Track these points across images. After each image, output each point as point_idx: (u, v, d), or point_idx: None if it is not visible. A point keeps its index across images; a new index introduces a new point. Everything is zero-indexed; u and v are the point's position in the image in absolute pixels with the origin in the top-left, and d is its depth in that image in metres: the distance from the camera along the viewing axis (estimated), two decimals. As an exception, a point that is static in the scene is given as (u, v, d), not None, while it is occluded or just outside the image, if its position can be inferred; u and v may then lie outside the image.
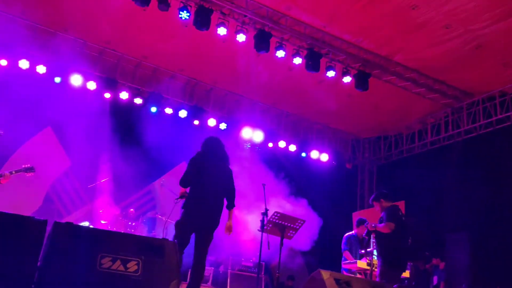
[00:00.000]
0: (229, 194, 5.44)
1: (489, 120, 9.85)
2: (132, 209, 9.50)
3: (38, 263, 3.20)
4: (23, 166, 5.83)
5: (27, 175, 5.86)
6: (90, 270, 3.25)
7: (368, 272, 7.46)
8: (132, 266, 3.40)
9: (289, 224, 6.40)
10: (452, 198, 9.68)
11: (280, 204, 7.94)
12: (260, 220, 6.32)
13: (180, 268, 3.72)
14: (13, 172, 5.70)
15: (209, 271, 8.91)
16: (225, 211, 5.41)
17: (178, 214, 5.23)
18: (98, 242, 3.39)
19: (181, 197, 5.25)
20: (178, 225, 5.14)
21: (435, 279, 9.80)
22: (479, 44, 8.17)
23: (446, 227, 9.43)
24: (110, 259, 3.32)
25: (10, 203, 8.29)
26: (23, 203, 8.90)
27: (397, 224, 6.37)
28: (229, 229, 5.47)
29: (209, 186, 5.21)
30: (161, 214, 9.61)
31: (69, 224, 3.34)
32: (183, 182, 5.28)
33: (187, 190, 5.27)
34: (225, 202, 5.42)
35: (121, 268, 3.35)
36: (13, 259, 3.04)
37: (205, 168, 5.27)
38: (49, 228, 3.44)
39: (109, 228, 8.77)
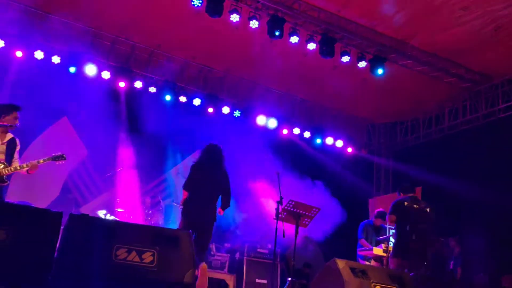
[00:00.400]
0: (224, 196, 6.09)
1: (509, 103, 9.63)
2: (148, 198, 9.57)
3: (55, 255, 3.24)
4: (53, 154, 5.53)
5: (57, 163, 5.56)
6: (105, 261, 3.28)
7: (384, 258, 7.45)
8: (148, 257, 3.42)
9: (304, 212, 6.37)
10: (470, 184, 9.52)
11: (295, 192, 7.90)
12: (275, 209, 6.32)
13: (194, 258, 3.73)
14: (41, 161, 5.41)
15: (225, 258, 8.97)
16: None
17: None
18: (113, 234, 3.41)
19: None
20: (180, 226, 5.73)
21: (451, 264, 9.70)
22: (498, 26, 7.96)
23: (464, 214, 9.30)
24: (125, 250, 3.35)
25: (28, 193, 8.44)
26: (41, 193, 9.04)
27: (399, 216, 6.35)
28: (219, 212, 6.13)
29: (205, 191, 5.88)
30: (177, 202, 9.66)
31: (84, 216, 3.37)
32: (186, 186, 6.00)
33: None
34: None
35: (137, 259, 3.38)
36: (30, 251, 3.07)
37: (202, 174, 5.94)
38: (65, 219, 3.47)
39: (126, 216, 8.87)
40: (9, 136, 5.39)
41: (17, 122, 5.35)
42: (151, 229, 3.89)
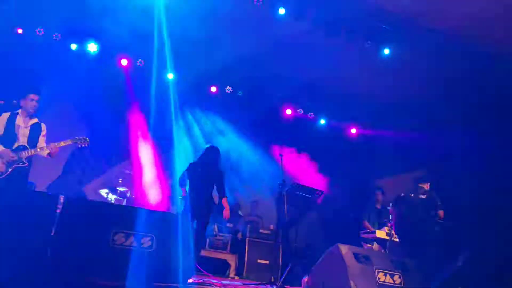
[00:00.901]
0: (218, 189, 6.76)
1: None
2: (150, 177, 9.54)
3: (51, 239, 3.20)
4: (76, 137, 5.41)
5: (79, 145, 5.46)
6: (102, 246, 3.24)
7: (388, 241, 7.42)
8: (146, 241, 3.39)
9: (307, 195, 6.34)
10: (474, 168, 9.42)
11: (298, 173, 7.87)
12: (278, 191, 6.29)
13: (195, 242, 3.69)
14: (62, 143, 5.31)
15: (227, 238, 8.99)
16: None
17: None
18: (111, 218, 3.36)
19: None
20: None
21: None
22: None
23: (470, 199, 9.22)
24: (123, 235, 3.31)
25: (31, 173, 8.41)
26: (43, 172, 9.00)
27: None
28: (226, 216, 6.92)
29: (201, 186, 6.52)
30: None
31: (81, 199, 3.33)
32: (179, 183, 6.81)
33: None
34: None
35: (135, 244, 3.34)
36: (26, 234, 3.03)
37: (197, 172, 6.62)
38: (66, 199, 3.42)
39: (128, 195, 8.86)
40: (34, 120, 5.34)
41: (34, 104, 5.27)
42: (150, 213, 3.84)
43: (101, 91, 9.25)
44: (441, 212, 6.55)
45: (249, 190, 8.57)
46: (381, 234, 7.44)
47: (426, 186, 6.83)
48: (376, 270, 4.62)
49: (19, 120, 5.19)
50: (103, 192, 8.89)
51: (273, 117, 10.85)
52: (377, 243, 7.81)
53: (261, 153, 8.80)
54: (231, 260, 8.68)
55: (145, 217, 3.56)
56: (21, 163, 5.06)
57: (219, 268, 8.68)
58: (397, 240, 7.37)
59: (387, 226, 7.47)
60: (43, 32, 8.92)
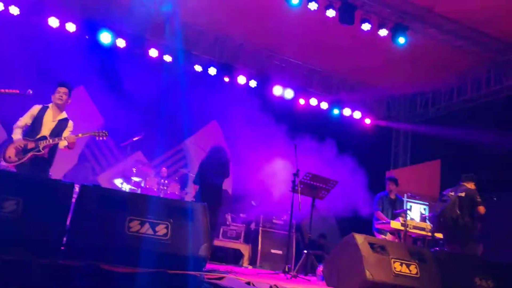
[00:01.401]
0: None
1: (536, 75, 9.28)
2: (164, 168, 9.57)
3: (67, 226, 3.21)
4: (96, 130, 5.49)
5: (97, 138, 5.51)
6: (118, 233, 3.24)
7: (402, 232, 7.36)
8: (161, 229, 3.38)
9: (321, 185, 6.30)
10: (492, 158, 9.30)
11: (312, 164, 7.80)
12: (292, 181, 6.25)
13: (209, 231, 3.68)
14: (80, 135, 5.37)
15: (240, 228, 9.02)
16: None
17: None
18: (126, 205, 3.36)
19: None
20: None
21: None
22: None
23: (485, 188, 9.10)
24: (138, 222, 3.30)
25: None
26: (59, 161, 9.05)
27: None
28: None
29: (211, 182, 7.31)
30: (193, 172, 9.67)
31: (96, 187, 3.32)
32: (194, 181, 7.72)
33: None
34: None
35: (150, 231, 3.34)
36: (42, 222, 3.05)
37: (208, 171, 7.42)
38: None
39: (142, 185, 8.91)
40: (63, 115, 5.46)
41: (58, 96, 5.42)
42: (165, 201, 3.83)
43: (115, 81, 9.28)
44: (481, 208, 6.51)
45: (263, 180, 8.53)
46: (395, 224, 7.38)
47: (470, 185, 6.79)
48: (392, 259, 4.57)
49: (48, 114, 5.33)
50: (118, 182, 8.94)
51: (289, 107, 10.81)
52: (391, 234, 7.76)
53: (275, 142, 8.76)
54: (245, 249, 8.71)
55: (160, 205, 3.56)
56: (37, 152, 5.12)
57: (233, 258, 8.72)
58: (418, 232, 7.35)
59: (401, 216, 7.41)
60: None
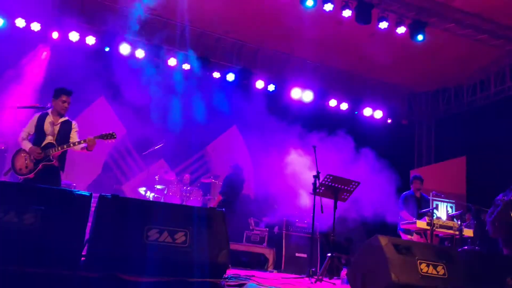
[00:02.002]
0: None
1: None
2: (187, 175, 9.62)
3: (87, 236, 3.23)
4: (103, 133, 5.37)
5: (106, 141, 5.44)
6: (137, 242, 3.24)
7: (428, 232, 7.20)
8: (180, 237, 3.37)
9: (342, 187, 6.21)
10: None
11: (333, 166, 7.72)
12: (312, 183, 6.19)
13: (228, 238, 3.65)
14: (89, 138, 5.27)
15: (264, 232, 8.96)
16: None
17: None
18: (144, 214, 3.36)
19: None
20: None
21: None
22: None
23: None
24: (157, 231, 3.30)
25: (70, 171, 8.65)
26: (83, 172, 9.24)
27: None
28: None
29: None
30: (215, 178, 9.71)
31: (114, 196, 3.34)
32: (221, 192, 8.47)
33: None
34: None
35: (169, 239, 3.33)
36: (61, 234, 3.07)
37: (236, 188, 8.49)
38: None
39: (165, 192, 8.97)
40: (63, 118, 5.41)
41: (65, 105, 5.37)
42: (183, 209, 3.82)
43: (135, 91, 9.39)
44: None
45: (284, 183, 8.49)
46: (421, 224, 7.22)
47: None
48: (418, 261, 4.45)
49: (49, 119, 5.30)
50: (142, 190, 9.04)
51: (308, 109, 10.74)
52: (416, 234, 7.59)
53: (295, 145, 8.71)
54: (269, 254, 8.64)
55: (179, 212, 3.55)
56: (48, 161, 5.14)
57: (257, 262, 8.67)
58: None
59: (427, 215, 7.25)
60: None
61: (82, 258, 3.22)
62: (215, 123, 10.72)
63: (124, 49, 9.50)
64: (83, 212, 3.23)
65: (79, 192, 3.34)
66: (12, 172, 5.13)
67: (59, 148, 5.18)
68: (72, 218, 3.13)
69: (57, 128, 5.29)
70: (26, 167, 5.07)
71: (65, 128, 5.37)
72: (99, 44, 9.43)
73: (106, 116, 9.94)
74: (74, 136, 5.41)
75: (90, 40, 9.34)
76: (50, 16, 8.98)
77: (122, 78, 9.40)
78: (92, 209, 3.46)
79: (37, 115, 5.34)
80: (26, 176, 5.07)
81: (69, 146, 5.23)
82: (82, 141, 5.25)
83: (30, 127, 5.29)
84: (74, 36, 9.19)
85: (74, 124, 5.50)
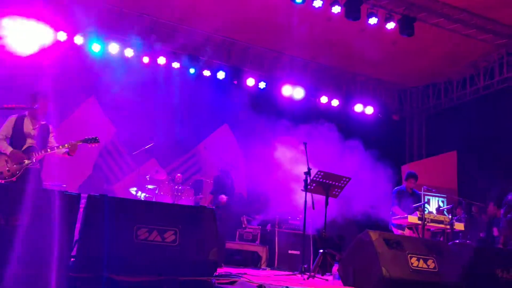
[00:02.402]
0: None
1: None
2: (179, 174, 9.58)
3: (76, 237, 3.21)
4: (85, 137, 5.42)
5: (89, 145, 5.45)
6: (126, 242, 3.22)
7: (420, 226, 7.24)
8: (170, 236, 3.36)
9: (333, 183, 6.22)
10: (509, 145, 9.11)
11: (324, 162, 7.74)
12: (304, 180, 6.19)
13: (218, 235, 3.65)
14: (79, 142, 5.33)
15: (256, 230, 8.97)
16: None
17: None
18: (133, 214, 3.34)
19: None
20: None
21: (495, 231, 9.37)
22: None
23: (503, 176, 8.93)
24: (146, 230, 3.29)
25: (60, 172, 8.59)
26: (74, 172, 9.18)
27: None
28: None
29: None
30: (206, 177, 9.69)
31: (103, 196, 3.31)
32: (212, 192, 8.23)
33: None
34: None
35: (158, 238, 3.32)
36: (49, 234, 3.04)
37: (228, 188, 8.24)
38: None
39: (156, 192, 8.93)
40: (41, 122, 5.35)
41: (45, 109, 5.30)
42: (172, 207, 3.81)
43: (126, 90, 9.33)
44: None
45: (276, 180, 8.49)
46: (413, 219, 7.26)
47: None
48: (409, 255, 4.48)
49: (27, 123, 5.24)
50: (133, 190, 8.99)
51: (299, 106, 10.73)
52: (408, 229, 7.63)
53: (286, 142, 8.71)
54: (262, 251, 8.65)
55: (168, 211, 3.54)
56: (31, 165, 5.09)
57: (251, 260, 8.67)
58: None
59: (419, 210, 7.28)
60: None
61: (72, 259, 3.19)
62: (206, 122, 10.70)
63: (113, 48, 9.44)
64: (71, 212, 3.20)
65: (68, 192, 3.31)
66: None
67: (43, 152, 5.15)
68: (61, 218, 3.09)
69: (35, 132, 5.22)
70: (8, 170, 4.98)
71: (44, 132, 5.32)
72: (88, 43, 9.35)
73: (96, 116, 9.86)
74: (52, 140, 5.38)
75: (78, 40, 9.26)
76: (36, 16, 8.89)
77: (112, 77, 9.33)
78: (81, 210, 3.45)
79: (14, 118, 5.24)
80: (8, 180, 4.98)
81: (53, 149, 5.18)
82: (65, 145, 5.22)
83: (7, 130, 5.17)
84: (62, 35, 9.11)
85: (51, 128, 5.44)
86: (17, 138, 5.15)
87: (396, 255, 4.44)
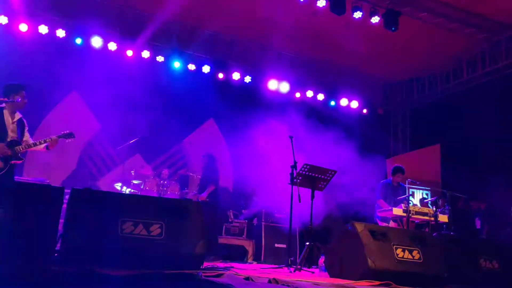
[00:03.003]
0: None
1: (530, 53, 9.21)
2: (165, 170, 9.52)
3: (61, 231, 3.16)
4: (62, 132, 5.47)
5: (67, 141, 5.51)
6: (111, 235, 3.19)
7: (404, 219, 7.32)
8: (155, 229, 3.33)
9: (319, 176, 6.25)
10: (491, 138, 9.24)
11: (310, 156, 7.76)
12: (290, 173, 6.20)
13: (205, 229, 3.63)
14: (54, 137, 5.37)
15: (243, 224, 8.98)
16: None
17: None
18: (118, 207, 3.31)
19: None
20: None
21: (477, 223, 9.53)
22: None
23: (486, 169, 9.07)
24: (131, 223, 3.25)
25: (44, 168, 8.48)
26: (57, 167, 9.06)
27: None
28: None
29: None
30: (192, 172, 9.65)
31: (87, 190, 3.27)
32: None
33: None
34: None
35: (144, 232, 3.29)
36: (33, 229, 2.99)
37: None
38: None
39: (141, 187, 8.87)
40: (18, 115, 5.34)
41: (25, 101, 5.31)
42: (158, 201, 3.78)
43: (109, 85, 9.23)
44: None
45: (262, 175, 8.50)
46: (398, 211, 7.34)
47: None
48: (394, 246, 4.52)
49: (6, 115, 5.19)
50: (117, 185, 8.91)
51: (285, 100, 10.73)
52: (393, 221, 7.71)
53: (272, 136, 8.72)
54: (248, 245, 8.68)
55: (154, 205, 3.51)
56: (17, 159, 5.09)
57: (237, 255, 8.68)
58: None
59: (403, 203, 7.36)
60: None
61: (56, 254, 3.14)
62: (191, 116, 10.63)
63: (96, 42, 9.31)
64: (55, 206, 3.14)
65: (51, 186, 3.26)
66: None
67: (26, 146, 5.14)
68: (44, 212, 3.04)
69: (15, 125, 5.21)
70: None
71: (21, 126, 5.30)
72: (70, 37, 9.20)
73: (79, 111, 9.73)
74: (27, 134, 5.38)
75: (60, 33, 9.10)
76: (18, 9, 8.72)
77: (95, 71, 9.21)
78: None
79: None
80: None
81: (36, 144, 5.19)
82: (47, 140, 5.25)
83: None
84: (43, 29, 8.95)
85: (25, 122, 5.43)
86: None
87: (381, 246, 4.48)
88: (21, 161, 5.15)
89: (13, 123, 5.21)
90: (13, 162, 5.01)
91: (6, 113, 5.20)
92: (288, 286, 3.37)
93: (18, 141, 5.15)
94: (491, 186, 8.28)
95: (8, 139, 5.10)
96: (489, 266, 5.07)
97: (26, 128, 5.40)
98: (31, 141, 5.32)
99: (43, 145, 5.30)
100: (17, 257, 2.90)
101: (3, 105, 5.18)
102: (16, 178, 5.56)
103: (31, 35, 8.90)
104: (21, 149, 5.11)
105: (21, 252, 2.91)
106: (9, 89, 5.24)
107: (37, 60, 8.69)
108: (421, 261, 4.60)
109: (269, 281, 3.52)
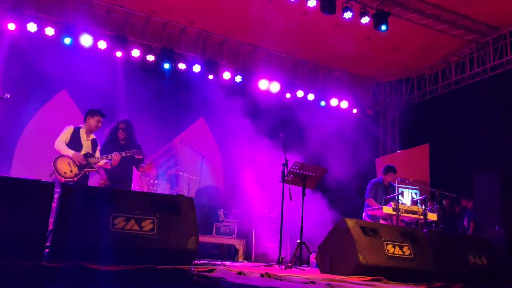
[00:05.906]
0: None
1: (517, 54, 9.33)
2: (154, 169, 9.46)
3: (51, 227, 3.13)
4: (133, 149, 6.10)
5: (136, 157, 6.20)
6: (103, 231, 3.17)
7: (394, 217, 7.37)
8: (147, 225, 3.32)
9: (310, 174, 6.27)
10: (479, 138, 9.35)
11: (301, 156, 7.80)
12: (281, 171, 6.22)
13: (197, 224, 3.62)
14: (123, 153, 6.01)
15: (233, 223, 8.96)
16: None
17: None
18: (109, 202, 3.29)
19: None
20: None
21: (465, 221, 9.64)
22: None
23: (473, 168, 9.17)
24: (123, 219, 3.24)
25: (34, 167, 8.39)
26: (48, 167, 8.95)
27: None
28: None
29: None
30: (182, 171, 9.62)
31: (77, 185, 3.24)
32: None
33: None
34: None
35: (136, 227, 3.27)
36: (23, 224, 2.96)
37: None
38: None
39: (131, 187, 8.80)
40: (93, 136, 6.13)
41: (99, 125, 6.13)
42: (150, 196, 3.76)
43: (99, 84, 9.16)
44: None
45: (253, 173, 8.51)
46: (387, 210, 7.38)
47: None
48: (385, 242, 4.56)
49: (82, 134, 6.00)
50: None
51: (275, 100, 10.74)
52: (383, 220, 7.76)
53: (263, 136, 8.73)
54: (239, 245, 8.67)
55: (146, 200, 3.49)
56: (90, 168, 5.83)
57: (228, 254, 8.68)
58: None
59: (393, 201, 7.41)
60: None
61: (47, 250, 3.11)
62: (181, 116, 10.60)
63: (86, 40, 9.24)
64: (45, 201, 3.12)
65: (41, 181, 3.23)
66: (56, 175, 5.63)
67: (99, 158, 5.92)
68: (35, 208, 3.01)
69: (89, 143, 6.03)
70: (71, 171, 5.66)
71: (94, 145, 6.11)
72: (59, 35, 9.12)
73: (68, 111, 9.64)
74: (97, 152, 6.09)
75: (49, 31, 9.02)
76: (6, 6, 8.64)
77: (84, 70, 9.14)
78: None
79: (72, 128, 5.98)
80: (70, 179, 5.59)
81: (108, 158, 5.92)
82: (106, 158, 5.96)
83: (67, 136, 5.90)
84: (32, 27, 8.86)
85: (98, 143, 6.18)
86: (75, 144, 5.87)
87: (372, 242, 4.51)
88: (94, 170, 5.90)
89: (87, 140, 6.01)
90: (86, 170, 5.78)
91: (82, 131, 6.04)
92: (280, 279, 3.38)
93: (92, 154, 5.94)
94: (478, 184, 8.37)
95: (83, 152, 5.87)
96: (478, 262, 5.13)
97: (98, 148, 6.14)
98: (105, 157, 6.00)
99: (103, 162, 5.95)
100: (7, 252, 2.86)
101: (81, 125, 6.04)
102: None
103: (20, 33, 8.80)
104: (94, 160, 5.85)
105: (11, 247, 2.88)
106: (89, 111, 6.13)
107: (27, 59, 8.61)
108: (411, 257, 4.64)
109: (262, 275, 3.53)
